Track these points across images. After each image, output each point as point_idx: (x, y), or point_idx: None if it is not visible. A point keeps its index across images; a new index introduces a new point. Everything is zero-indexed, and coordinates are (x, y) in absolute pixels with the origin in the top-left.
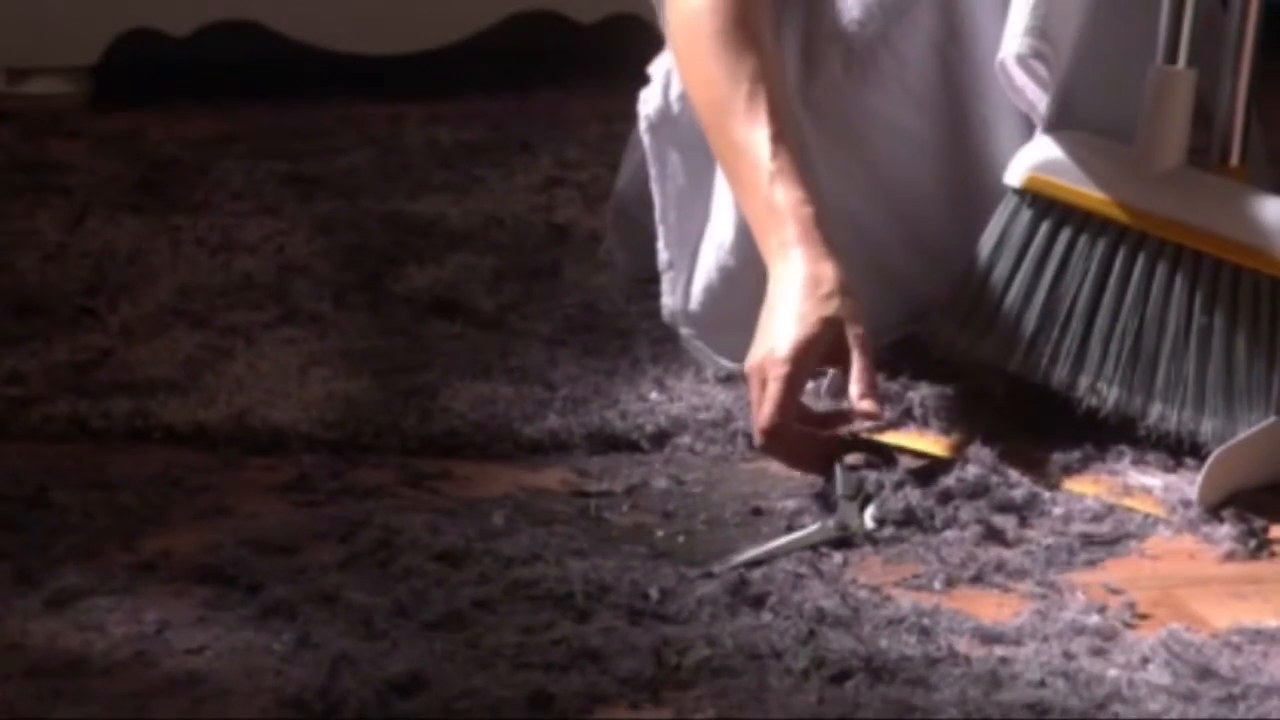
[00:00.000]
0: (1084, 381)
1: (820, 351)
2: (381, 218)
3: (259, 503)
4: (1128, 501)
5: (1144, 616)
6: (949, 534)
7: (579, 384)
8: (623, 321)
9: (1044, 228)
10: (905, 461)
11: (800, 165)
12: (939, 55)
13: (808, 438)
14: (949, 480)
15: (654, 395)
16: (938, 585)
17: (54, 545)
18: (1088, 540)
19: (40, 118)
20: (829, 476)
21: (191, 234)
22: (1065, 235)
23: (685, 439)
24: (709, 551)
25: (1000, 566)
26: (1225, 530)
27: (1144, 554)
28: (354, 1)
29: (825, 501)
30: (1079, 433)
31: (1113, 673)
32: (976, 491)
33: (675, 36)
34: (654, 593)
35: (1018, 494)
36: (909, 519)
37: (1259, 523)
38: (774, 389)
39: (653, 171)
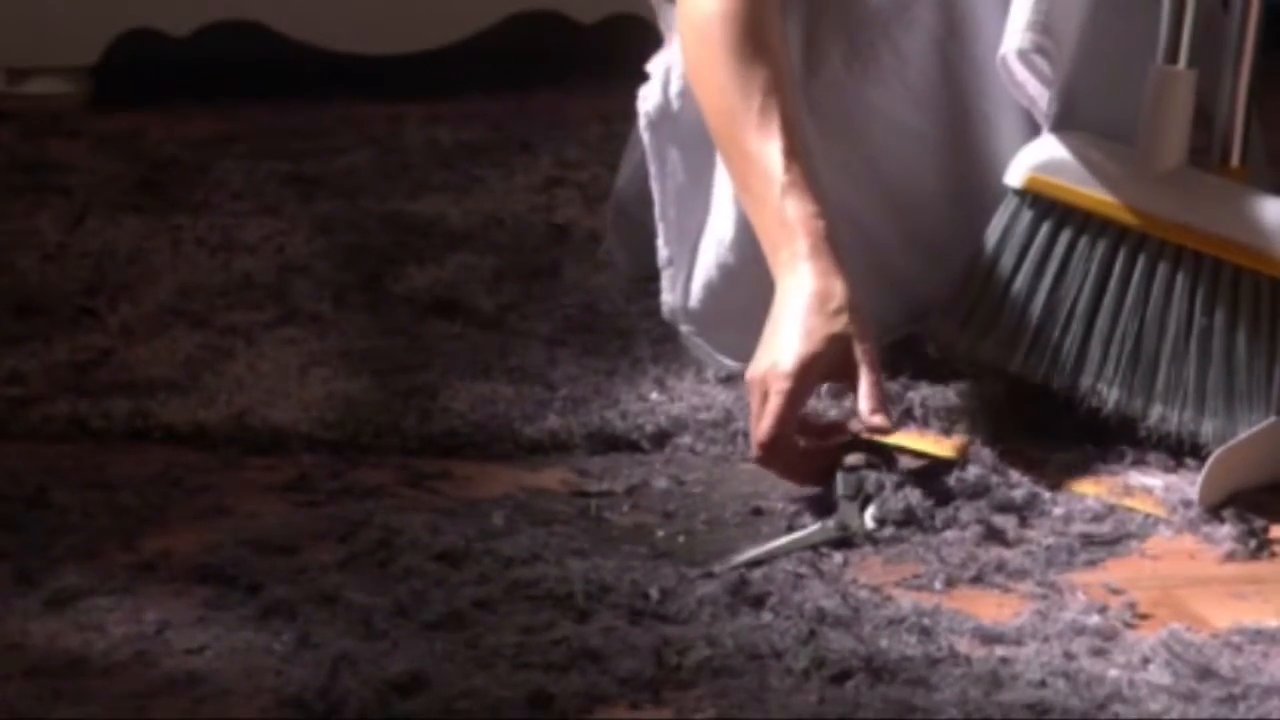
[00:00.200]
0: (1084, 382)
1: (824, 368)
2: (381, 218)
3: (259, 503)
4: (1128, 502)
5: (1144, 617)
6: (949, 534)
7: (579, 384)
8: (623, 321)
9: (1044, 228)
10: (905, 462)
11: (811, 179)
12: (940, 52)
13: (806, 452)
14: (949, 480)
15: (654, 395)
16: (938, 585)
17: (54, 545)
18: (1088, 540)
19: (40, 118)
20: (827, 488)
21: (191, 234)
22: (1066, 236)
23: (686, 439)
24: (709, 551)
25: (1001, 567)
26: (1226, 530)
27: (1144, 554)
28: (354, 1)
29: (825, 502)
30: (1079, 433)
31: (1113, 673)
32: (977, 492)
33: (686, 43)
34: (654, 593)
35: (1018, 494)
36: (909, 519)
37: (1259, 523)
38: (775, 403)
39: (652, 169)
